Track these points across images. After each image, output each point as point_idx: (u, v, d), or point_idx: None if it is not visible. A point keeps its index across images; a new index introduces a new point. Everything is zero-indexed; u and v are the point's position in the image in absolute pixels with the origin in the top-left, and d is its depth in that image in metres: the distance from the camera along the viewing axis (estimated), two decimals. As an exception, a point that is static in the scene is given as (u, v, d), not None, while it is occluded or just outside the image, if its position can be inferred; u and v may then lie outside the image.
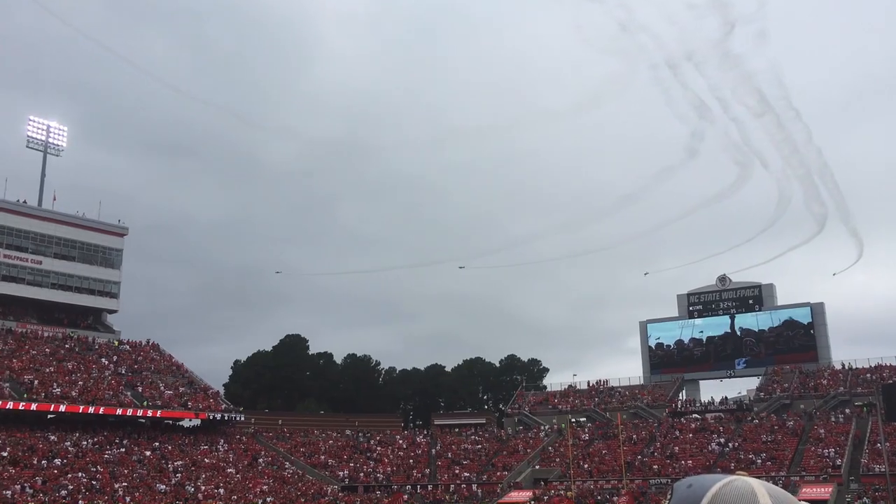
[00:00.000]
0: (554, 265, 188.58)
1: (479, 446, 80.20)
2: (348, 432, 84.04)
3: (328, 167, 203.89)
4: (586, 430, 79.23)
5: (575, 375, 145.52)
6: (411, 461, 77.43)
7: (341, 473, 73.57)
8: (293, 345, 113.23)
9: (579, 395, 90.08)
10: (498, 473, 72.45)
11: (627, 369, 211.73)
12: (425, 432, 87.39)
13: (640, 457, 69.79)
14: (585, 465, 69.65)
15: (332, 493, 67.06)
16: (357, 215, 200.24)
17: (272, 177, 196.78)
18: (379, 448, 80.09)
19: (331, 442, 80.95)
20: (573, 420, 79.22)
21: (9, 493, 51.03)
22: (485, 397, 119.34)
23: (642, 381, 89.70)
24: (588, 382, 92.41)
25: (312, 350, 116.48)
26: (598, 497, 60.22)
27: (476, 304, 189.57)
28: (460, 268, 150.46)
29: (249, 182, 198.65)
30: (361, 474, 74.02)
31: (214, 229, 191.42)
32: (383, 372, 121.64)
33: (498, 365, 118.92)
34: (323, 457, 76.94)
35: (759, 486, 1.90)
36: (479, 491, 69.29)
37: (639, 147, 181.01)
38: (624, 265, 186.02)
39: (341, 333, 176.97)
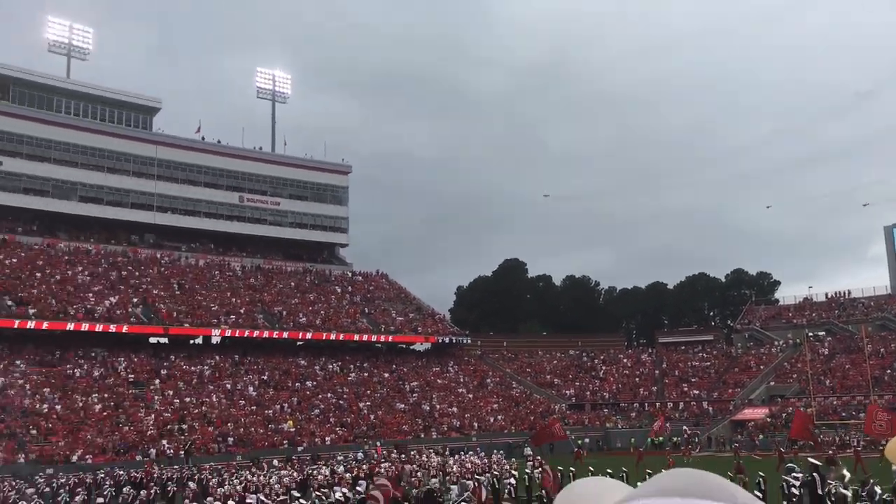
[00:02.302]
0: (781, 172, 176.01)
1: (708, 363, 78.01)
2: (572, 352, 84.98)
3: (535, 91, 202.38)
4: (826, 344, 74.37)
5: (811, 287, 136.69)
6: (637, 380, 77.06)
7: (567, 392, 74.87)
8: (512, 269, 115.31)
9: (816, 307, 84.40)
10: (729, 391, 70.28)
11: (870, 279, 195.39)
12: (650, 351, 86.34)
13: (889, 371, 64.61)
14: (827, 381, 65.67)
15: (560, 411, 68.55)
16: (568, 136, 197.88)
17: (482, 105, 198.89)
18: (604, 367, 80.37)
19: (555, 362, 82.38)
20: (810, 334, 74.66)
21: (270, 412, 57.15)
22: (711, 314, 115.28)
23: (889, 291, 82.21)
24: (826, 294, 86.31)
25: (531, 273, 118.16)
26: (843, 414, 56.71)
27: (697, 217, 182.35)
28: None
29: (461, 112, 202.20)
30: (587, 393, 74.89)
31: (432, 160, 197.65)
32: (603, 292, 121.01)
33: (724, 280, 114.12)
34: (548, 376, 78.60)
35: None
36: (710, 408, 67.75)
37: (873, 40, 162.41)
38: (863, 167, 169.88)
39: (559, 256, 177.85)
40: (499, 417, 65.31)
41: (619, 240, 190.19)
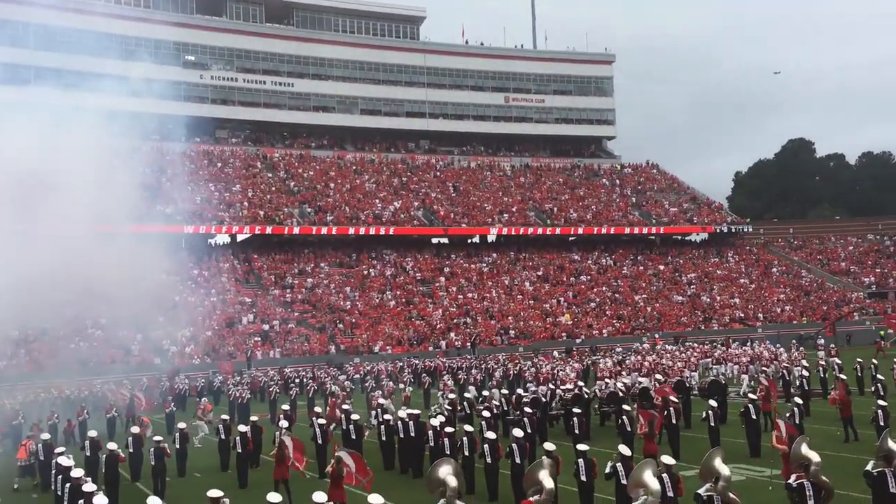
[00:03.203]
0: None
1: None
2: (871, 237, 77.17)
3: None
4: None
5: None
6: (953, 264, 68.45)
7: (867, 280, 68.54)
8: (797, 150, 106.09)
9: None
10: None
11: None
12: (969, 231, 75.94)
13: None
14: None
15: (857, 300, 63.13)
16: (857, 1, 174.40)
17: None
18: (910, 252, 72.22)
19: (851, 248, 75.48)
20: None
21: (547, 305, 58.82)
22: None
23: None
24: None
25: (820, 153, 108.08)
26: None
27: None
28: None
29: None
30: (891, 280, 68.00)
31: (699, 42, 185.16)
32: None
33: None
34: (843, 263, 72.33)
35: None
36: None
37: None
38: None
39: (853, 131, 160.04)
40: (786, 308, 61.69)
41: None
